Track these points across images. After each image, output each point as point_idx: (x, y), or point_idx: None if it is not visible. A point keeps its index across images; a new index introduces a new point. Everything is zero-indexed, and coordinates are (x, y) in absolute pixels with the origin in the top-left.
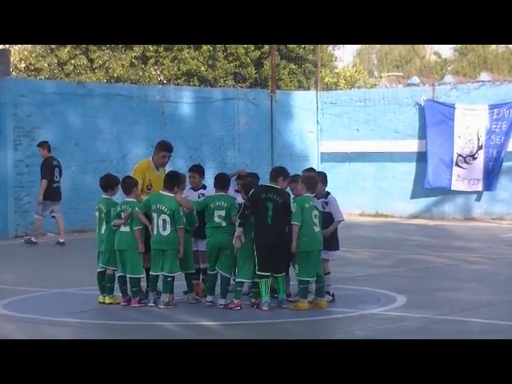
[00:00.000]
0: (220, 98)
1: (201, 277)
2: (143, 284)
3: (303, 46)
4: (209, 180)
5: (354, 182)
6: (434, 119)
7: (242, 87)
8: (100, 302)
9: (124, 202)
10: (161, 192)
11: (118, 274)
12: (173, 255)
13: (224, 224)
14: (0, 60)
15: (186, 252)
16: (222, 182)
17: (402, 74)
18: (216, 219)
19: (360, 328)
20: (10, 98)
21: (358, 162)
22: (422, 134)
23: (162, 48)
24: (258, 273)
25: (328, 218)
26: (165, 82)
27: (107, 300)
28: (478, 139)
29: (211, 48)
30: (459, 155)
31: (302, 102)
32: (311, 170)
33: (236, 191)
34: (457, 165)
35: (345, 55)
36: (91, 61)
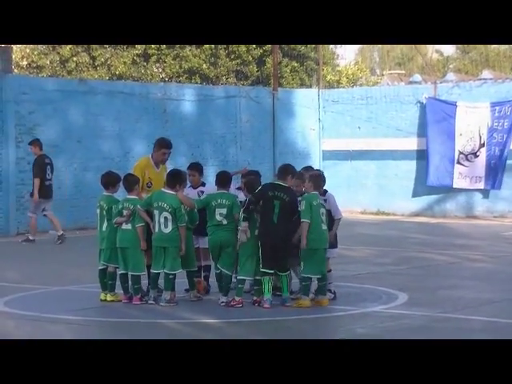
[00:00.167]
0: (222, 96)
1: (202, 274)
2: (144, 281)
3: None
4: (210, 178)
5: (356, 180)
6: (436, 117)
7: (243, 85)
8: (101, 300)
9: (126, 200)
10: (162, 190)
11: (119, 272)
12: (174, 253)
13: (225, 222)
14: (2, 57)
15: (188, 250)
16: (223, 179)
17: (403, 71)
18: (217, 217)
19: (361, 326)
20: (12, 95)
21: (360, 159)
22: (424, 132)
23: (163, 46)
24: (262, 270)
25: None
26: (166, 79)
27: (109, 297)
28: (480, 137)
29: (213, 46)
30: (461, 153)
31: (304, 99)
32: (309, 168)
33: (238, 189)
34: (458, 162)
35: (347, 53)
36: (93, 58)
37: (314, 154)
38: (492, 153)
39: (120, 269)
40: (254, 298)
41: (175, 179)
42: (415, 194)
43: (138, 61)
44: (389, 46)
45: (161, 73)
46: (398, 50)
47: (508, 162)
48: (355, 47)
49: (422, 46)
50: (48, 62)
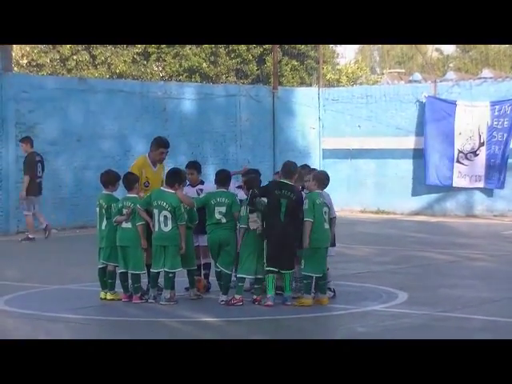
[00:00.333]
0: (222, 95)
1: (202, 272)
2: (144, 280)
3: None
4: (211, 177)
5: (356, 179)
6: (435, 116)
7: (243, 84)
8: (101, 298)
9: (126, 198)
10: (162, 188)
11: (119, 271)
12: (174, 251)
13: (224, 220)
14: (2, 56)
15: (188, 249)
16: (222, 178)
17: (403, 70)
18: (217, 215)
19: (361, 325)
20: (12, 93)
21: (360, 158)
22: (423, 131)
23: (163, 44)
24: (266, 268)
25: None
26: (166, 78)
27: (108, 296)
28: (480, 136)
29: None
30: (460, 152)
31: (304, 98)
32: (306, 166)
33: (238, 187)
34: (458, 161)
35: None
36: (93, 57)
37: (313, 153)
38: (492, 152)
39: (120, 267)
40: (254, 296)
41: (174, 178)
42: (415, 193)
43: (138, 59)
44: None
45: (161, 71)
46: (398, 48)
47: (509, 160)
48: (355, 46)
49: (422, 45)
50: (48, 61)
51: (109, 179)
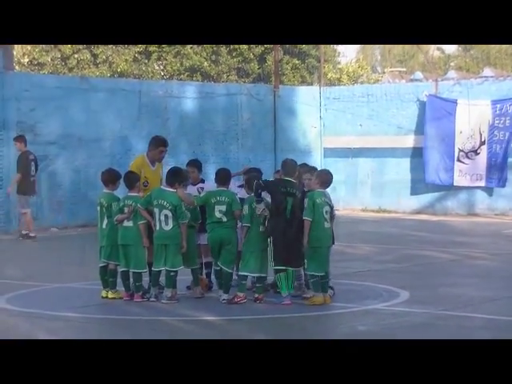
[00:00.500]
0: (223, 94)
1: (204, 271)
2: (145, 279)
3: None
4: (212, 175)
5: (357, 178)
6: (436, 114)
7: (245, 82)
8: (103, 297)
9: (127, 197)
10: (162, 187)
11: (120, 269)
12: (175, 250)
13: (225, 219)
14: (3, 54)
15: (190, 248)
16: (223, 177)
17: (405, 69)
18: (217, 214)
19: (363, 323)
20: (13, 92)
21: (361, 157)
22: (424, 130)
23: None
24: (274, 268)
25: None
26: (168, 77)
27: (110, 295)
28: (480, 135)
29: None
30: (461, 150)
31: (305, 97)
32: (304, 165)
33: (240, 187)
34: (459, 160)
35: (348, 50)
36: (94, 56)
37: (315, 152)
38: (493, 150)
39: (121, 266)
40: (256, 295)
41: (175, 177)
42: (416, 192)
43: (139, 58)
44: None
45: (162, 70)
46: (400, 47)
47: (510, 159)
48: (356, 45)
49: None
50: (49, 60)
51: (109, 178)
